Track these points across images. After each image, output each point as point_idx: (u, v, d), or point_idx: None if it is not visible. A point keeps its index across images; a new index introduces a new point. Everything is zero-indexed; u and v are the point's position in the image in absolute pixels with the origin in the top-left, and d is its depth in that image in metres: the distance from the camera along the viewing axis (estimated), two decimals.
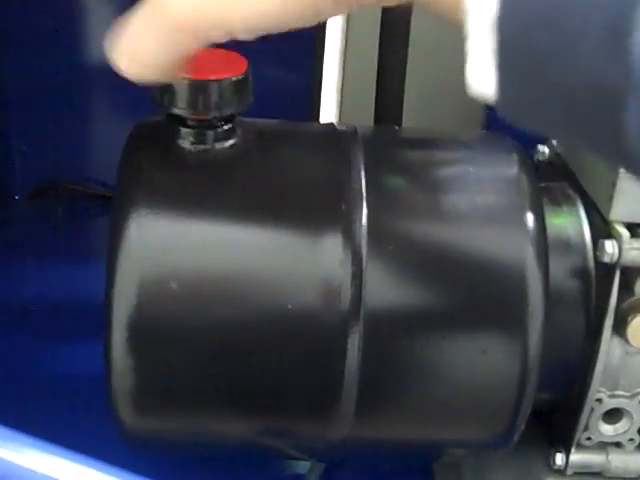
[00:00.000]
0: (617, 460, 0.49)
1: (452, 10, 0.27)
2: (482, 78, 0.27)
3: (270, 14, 0.32)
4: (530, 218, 0.42)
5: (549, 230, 0.42)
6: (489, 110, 0.55)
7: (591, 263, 0.46)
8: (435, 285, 0.41)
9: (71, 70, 0.74)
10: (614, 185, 0.44)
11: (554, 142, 0.53)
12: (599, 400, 0.47)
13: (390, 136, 0.49)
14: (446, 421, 0.44)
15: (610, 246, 0.44)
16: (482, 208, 0.42)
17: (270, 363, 0.41)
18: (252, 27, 0.33)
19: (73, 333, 0.63)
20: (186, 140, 0.42)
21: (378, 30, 0.55)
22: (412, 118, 0.58)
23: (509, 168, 0.44)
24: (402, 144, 0.47)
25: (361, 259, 0.40)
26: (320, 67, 0.69)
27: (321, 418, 0.42)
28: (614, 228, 0.45)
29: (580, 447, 0.48)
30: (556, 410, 0.49)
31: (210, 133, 0.42)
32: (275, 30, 0.33)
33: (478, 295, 0.41)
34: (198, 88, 0.40)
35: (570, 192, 0.49)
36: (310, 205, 0.41)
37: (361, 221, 0.40)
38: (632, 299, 0.45)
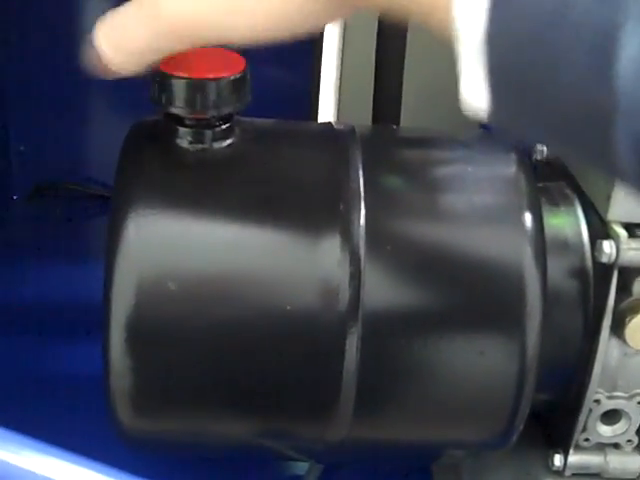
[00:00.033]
0: (615, 461, 0.49)
1: (443, 27, 0.28)
2: (475, 93, 0.28)
3: (268, 25, 0.33)
4: (528, 218, 0.42)
5: (547, 230, 0.42)
6: None
7: (589, 263, 0.46)
8: (433, 285, 0.41)
9: (70, 70, 0.74)
10: (612, 185, 0.44)
11: None
12: (597, 401, 0.47)
13: (388, 135, 0.49)
14: (445, 422, 0.44)
15: (608, 246, 0.44)
16: (480, 208, 0.42)
17: (268, 364, 0.41)
18: (248, 37, 0.33)
19: (72, 333, 0.63)
20: (184, 139, 0.42)
21: (375, 29, 0.55)
22: (410, 117, 0.58)
23: (507, 168, 0.44)
24: (400, 143, 0.47)
25: (359, 259, 0.40)
26: (318, 66, 0.69)
27: (319, 419, 0.42)
28: (612, 228, 0.45)
29: (578, 448, 0.48)
30: (554, 411, 0.49)
31: (208, 132, 0.42)
32: (270, 42, 0.33)
33: (476, 295, 0.41)
34: (196, 87, 0.40)
35: (568, 192, 0.49)
36: (308, 205, 0.41)
37: (359, 221, 0.40)
38: (630, 299, 0.45)
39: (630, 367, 0.46)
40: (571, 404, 0.47)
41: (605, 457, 0.49)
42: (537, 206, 0.43)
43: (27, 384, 0.58)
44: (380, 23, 0.55)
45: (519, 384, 0.42)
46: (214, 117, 0.41)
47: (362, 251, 0.40)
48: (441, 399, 0.43)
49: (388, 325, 0.41)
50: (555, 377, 0.46)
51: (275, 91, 0.64)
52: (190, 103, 0.40)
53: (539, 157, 0.53)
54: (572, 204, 0.48)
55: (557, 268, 0.45)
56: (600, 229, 0.46)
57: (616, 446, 0.49)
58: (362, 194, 0.41)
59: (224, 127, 0.42)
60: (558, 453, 0.48)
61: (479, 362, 0.41)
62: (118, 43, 0.35)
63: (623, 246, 0.44)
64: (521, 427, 0.43)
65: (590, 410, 0.47)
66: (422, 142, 0.47)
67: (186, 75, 0.40)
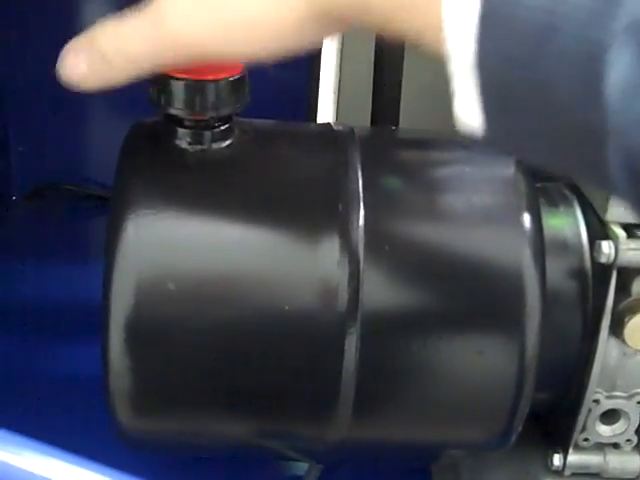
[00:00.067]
0: (615, 461, 0.49)
1: (436, 47, 0.28)
2: (468, 112, 0.28)
3: (266, 44, 0.33)
4: (527, 219, 0.42)
5: (546, 231, 0.42)
6: None
7: (588, 264, 0.46)
8: (432, 286, 0.41)
9: None
10: None
11: None
12: (596, 401, 0.47)
13: (387, 137, 0.49)
14: (444, 422, 0.44)
15: (607, 247, 0.44)
16: (479, 209, 0.42)
17: (267, 364, 0.41)
18: (249, 55, 0.34)
19: (71, 333, 0.63)
20: (183, 140, 0.42)
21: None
22: (409, 119, 0.58)
23: (505, 168, 0.44)
24: (399, 145, 0.47)
25: (358, 260, 0.40)
26: (317, 67, 0.69)
27: (319, 419, 0.42)
28: (611, 229, 0.45)
29: (578, 448, 0.48)
30: (553, 411, 0.49)
31: (207, 133, 0.42)
32: (270, 59, 0.34)
33: (475, 296, 0.41)
34: (195, 88, 0.40)
35: (567, 193, 0.49)
36: (307, 205, 0.41)
37: (358, 222, 0.40)
38: (629, 300, 0.45)
39: (629, 367, 0.46)
40: (570, 404, 0.47)
41: (604, 457, 0.49)
42: (536, 207, 0.43)
43: (27, 384, 0.58)
44: None
45: (518, 384, 0.42)
46: (213, 118, 0.41)
47: (361, 251, 0.40)
48: (440, 399, 0.43)
49: (387, 325, 0.41)
50: (554, 377, 0.46)
51: (274, 92, 0.64)
52: (189, 104, 0.40)
53: None
54: (571, 205, 0.48)
55: (556, 268, 0.45)
56: (599, 229, 0.46)
57: (615, 446, 0.49)
58: (361, 195, 0.41)
59: (223, 128, 0.42)
60: (557, 453, 0.48)
61: (478, 362, 0.41)
62: (116, 51, 0.35)
63: (622, 246, 0.44)
64: (520, 427, 0.43)
65: (589, 410, 0.47)
66: (421, 143, 0.47)
67: (185, 76, 0.40)
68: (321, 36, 0.34)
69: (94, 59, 0.36)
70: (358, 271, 0.40)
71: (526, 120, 0.27)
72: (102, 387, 0.41)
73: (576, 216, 0.47)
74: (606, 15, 0.23)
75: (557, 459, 0.48)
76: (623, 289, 0.45)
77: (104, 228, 0.40)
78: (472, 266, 0.41)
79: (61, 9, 0.72)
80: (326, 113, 0.72)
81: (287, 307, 0.40)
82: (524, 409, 0.42)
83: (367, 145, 0.44)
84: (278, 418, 0.43)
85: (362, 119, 0.57)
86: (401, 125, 0.57)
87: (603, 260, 0.44)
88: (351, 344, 0.40)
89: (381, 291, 0.41)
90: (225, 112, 0.41)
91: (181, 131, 0.42)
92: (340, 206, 0.41)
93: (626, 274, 0.45)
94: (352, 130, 0.45)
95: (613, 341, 0.46)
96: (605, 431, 0.48)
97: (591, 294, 0.46)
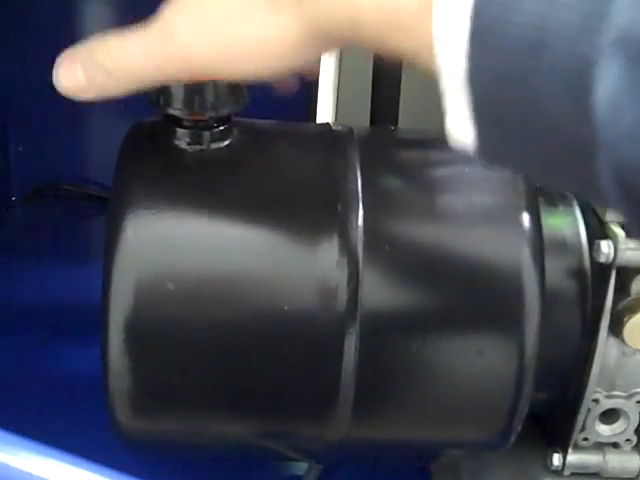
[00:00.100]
0: (614, 460, 0.49)
1: (430, 65, 0.28)
2: (460, 128, 0.28)
3: (268, 63, 0.33)
4: (526, 218, 0.42)
5: (545, 230, 0.42)
6: None
7: (587, 263, 0.46)
8: (431, 285, 0.41)
9: None
10: None
11: None
12: (596, 401, 0.47)
13: (386, 137, 0.49)
14: (443, 422, 0.44)
15: (606, 246, 0.44)
16: (478, 208, 0.42)
17: (266, 364, 0.41)
18: (251, 74, 0.34)
19: (71, 333, 0.63)
20: (182, 140, 0.42)
21: None
22: (408, 119, 0.58)
23: None
24: (398, 145, 0.47)
25: (357, 260, 0.40)
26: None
27: (318, 419, 0.42)
28: (610, 228, 0.45)
29: (577, 447, 0.48)
30: (553, 411, 0.49)
31: (206, 133, 0.42)
32: (273, 77, 0.35)
33: (474, 296, 0.41)
34: (194, 89, 0.40)
35: (566, 192, 0.49)
36: (306, 205, 0.41)
37: (357, 222, 0.40)
38: (628, 299, 0.45)
39: (628, 366, 0.46)
40: (570, 404, 0.47)
41: (604, 456, 0.49)
42: (535, 206, 0.43)
43: (26, 384, 0.58)
44: None
45: (518, 384, 0.42)
46: (212, 118, 0.41)
47: (360, 252, 0.40)
48: (440, 399, 0.43)
49: (386, 325, 0.41)
50: (554, 377, 0.46)
51: (273, 92, 0.64)
52: (188, 104, 0.40)
53: None
54: (570, 204, 0.48)
55: (555, 268, 0.45)
56: (598, 229, 0.46)
57: (615, 445, 0.49)
58: (360, 195, 0.41)
59: (222, 128, 0.42)
60: (557, 452, 0.49)
61: (478, 362, 0.41)
62: (119, 64, 0.35)
63: (621, 246, 0.44)
64: (520, 427, 0.43)
65: (589, 409, 0.47)
66: (420, 143, 0.47)
67: None
68: (319, 53, 0.35)
69: (93, 71, 0.36)
70: (357, 271, 0.40)
71: (517, 135, 0.27)
72: (102, 387, 0.41)
73: (575, 216, 0.47)
74: (594, 31, 0.23)
75: (557, 459, 0.48)
76: (622, 289, 0.45)
77: (103, 228, 0.40)
78: (471, 266, 0.41)
79: (61, 9, 0.72)
80: (325, 113, 0.72)
81: (286, 307, 0.40)
82: (523, 409, 0.42)
83: (366, 145, 0.44)
84: (278, 418, 0.43)
85: (361, 119, 0.57)
86: (400, 125, 0.57)
87: (602, 260, 0.44)
88: (350, 344, 0.40)
89: (380, 291, 0.41)
90: (224, 112, 0.41)
91: (180, 131, 0.42)
92: (339, 206, 0.41)
93: (625, 274, 0.45)
94: (351, 130, 0.45)
95: (612, 341, 0.46)
96: (604, 431, 0.48)
97: (590, 294, 0.46)
